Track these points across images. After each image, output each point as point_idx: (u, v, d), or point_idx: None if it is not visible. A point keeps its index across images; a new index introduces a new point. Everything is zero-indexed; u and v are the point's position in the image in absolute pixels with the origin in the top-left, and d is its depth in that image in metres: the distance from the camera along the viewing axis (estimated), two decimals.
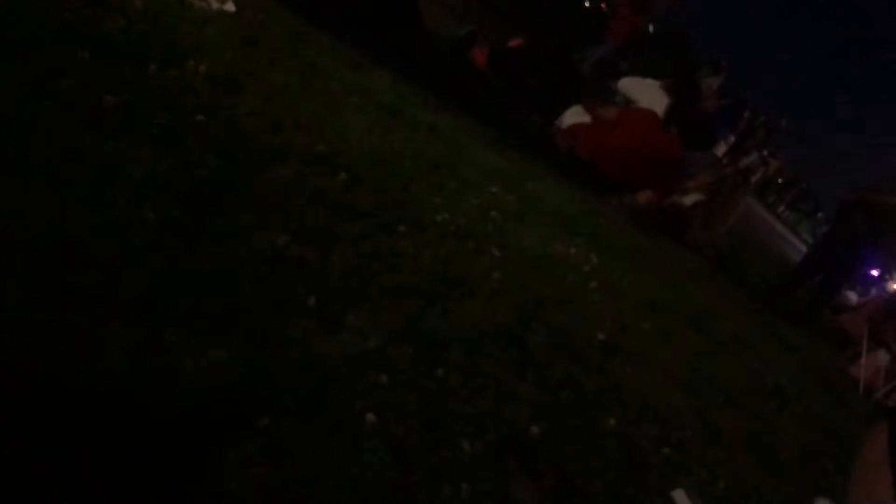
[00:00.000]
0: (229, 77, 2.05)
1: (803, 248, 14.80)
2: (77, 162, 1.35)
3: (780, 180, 20.01)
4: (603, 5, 10.52)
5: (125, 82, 1.66)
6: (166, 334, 1.14)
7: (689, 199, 5.54)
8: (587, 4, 11.55)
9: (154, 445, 0.96)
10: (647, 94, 5.16)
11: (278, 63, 2.42)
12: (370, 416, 1.26)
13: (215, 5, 2.47)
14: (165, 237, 1.33)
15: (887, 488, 1.15)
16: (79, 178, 1.32)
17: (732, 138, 14.83)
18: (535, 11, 8.47)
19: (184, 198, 1.45)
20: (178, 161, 1.53)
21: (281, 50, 2.55)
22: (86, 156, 1.38)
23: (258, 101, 2.03)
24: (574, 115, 4.84)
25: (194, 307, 1.23)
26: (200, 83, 1.91)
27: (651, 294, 3.07)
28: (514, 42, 5.17)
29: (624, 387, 2.02)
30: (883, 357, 5.66)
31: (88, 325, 1.07)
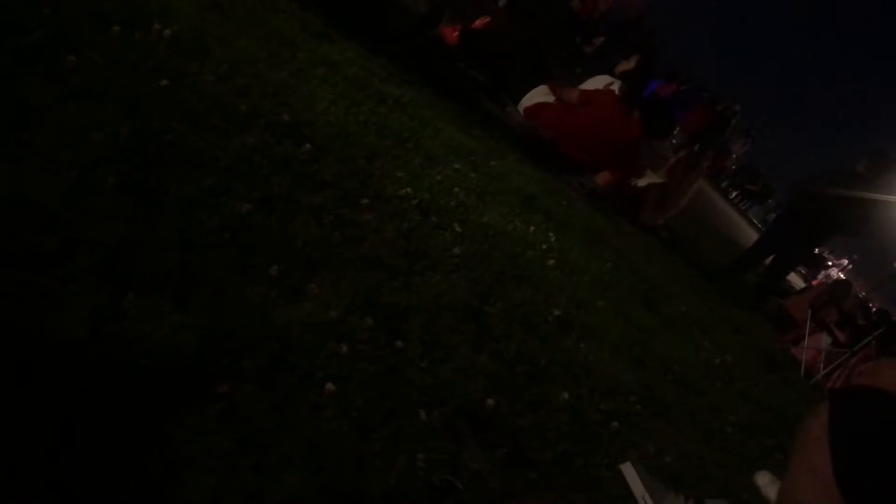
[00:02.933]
0: (195, 42, 2.01)
1: (753, 233, 15.18)
2: (36, 121, 1.32)
3: (733, 166, 20.42)
4: None
5: (88, 43, 1.62)
6: (126, 299, 1.13)
7: (642, 181, 5.64)
8: None
9: (111, 411, 0.97)
10: (598, 83, 5.22)
11: (245, 30, 2.37)
12: (329, 385, 1.27)
13: None
14: (127, 201, 1.31)
15: (825, 464, 1.21)
16: (38, 139, 1.29)
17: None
18: None
19: (146, 162, 1.43)
20: (141, 125, 1.51)
21: (248, 17, 2.50)
22: (45, 116, 1.35)
23: (224, 68, 2.00)
24: (538, 95, 4.87)
25: (155, 273, 1.22)
26: (165, 47, 1.87)
27: (606, 272, 3.14)
28: (482, 21, 5.16)
29: (577, 362, 2.07)
30: (824, 340, 5.88)
31: (47, 287, 1.06)
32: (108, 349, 1.04)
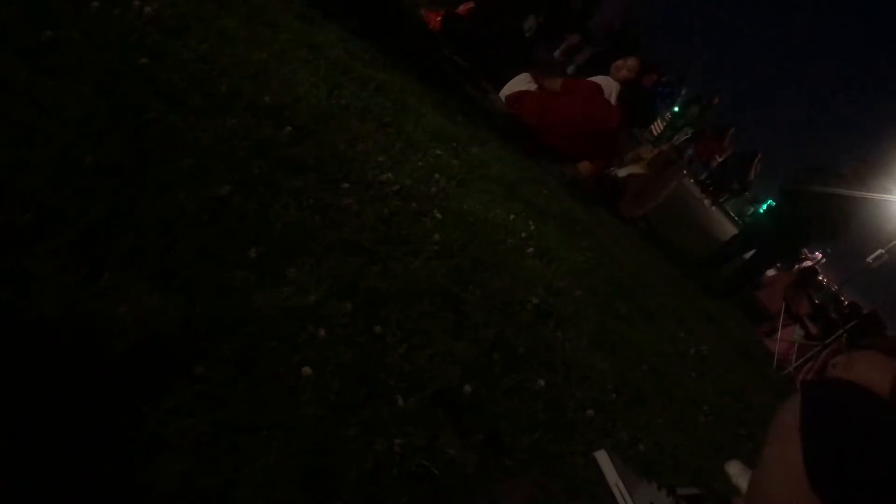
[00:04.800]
0: (176, 20, 1.97)
1: (730, 226, 15.37)
2: (11, 97, 1.30)
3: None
4: None
5: (66, 18, 1.58)
6: (102, 279, 1.12)
7: (623, 172, 5.68)
8: None
9: (86, 392, 0.95)
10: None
11: (227, 9, 2.34)
12: (307, 370, 1.27)
13: None
14: (104, 180, 1.29)
15: (797, 455, 1.23)
16: (13, 114, 1.26)
17: (669, 115, 15.51)
18: None
19: (124, 141, 1.41)
20: (119, 103, 1.48)
21: None
22: (21, 91, 1.32)
23: (205, 47, 1.97)
24: (520, 83, 4.87)
25: (132, 253, 1.20)
26: (145, 24, 1.84)
27: (584, 262, 3.16)
28: (465, 6, 5.14)
29: (554, 350, 2.09)
30: (797, 332, 5.98)
31: (20, 265, 1.04)
32: (83, 329, 1.03)
